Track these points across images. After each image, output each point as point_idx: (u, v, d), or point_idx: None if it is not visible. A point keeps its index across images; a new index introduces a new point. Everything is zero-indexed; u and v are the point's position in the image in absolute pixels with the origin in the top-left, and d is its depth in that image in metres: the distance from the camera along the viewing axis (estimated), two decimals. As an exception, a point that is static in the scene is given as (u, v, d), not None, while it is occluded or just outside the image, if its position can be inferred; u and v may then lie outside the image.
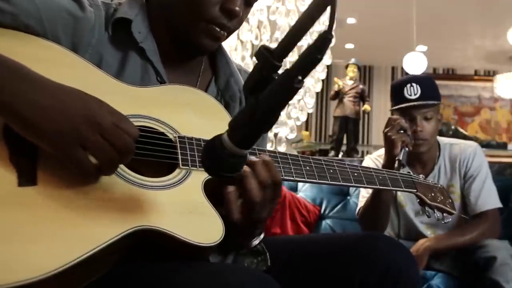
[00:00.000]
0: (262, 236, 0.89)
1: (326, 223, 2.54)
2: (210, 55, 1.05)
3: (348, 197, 2.59)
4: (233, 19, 0.92)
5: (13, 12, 0.77)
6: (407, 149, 1.67)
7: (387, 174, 1.07)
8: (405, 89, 1.85)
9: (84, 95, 0.70)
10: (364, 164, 2.04)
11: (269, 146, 3.33)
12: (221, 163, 0.62)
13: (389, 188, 1.06)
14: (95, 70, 0.84)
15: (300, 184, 2.68)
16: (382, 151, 2.06)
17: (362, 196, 1.95)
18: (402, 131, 1.68)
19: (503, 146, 6.36)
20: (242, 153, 0.61)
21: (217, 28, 0.91)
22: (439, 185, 1.25)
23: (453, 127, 7.62)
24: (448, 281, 1.81)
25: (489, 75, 8.61)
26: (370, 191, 1.86)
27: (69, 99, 0.68)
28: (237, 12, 0.90)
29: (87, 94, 0.70)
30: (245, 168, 0.76)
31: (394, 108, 1.92)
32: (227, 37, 0.96)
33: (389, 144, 1.67)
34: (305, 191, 2.65)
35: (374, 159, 2.03)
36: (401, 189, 1.09)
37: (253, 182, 0.76)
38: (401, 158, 1.62)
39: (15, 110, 0.65)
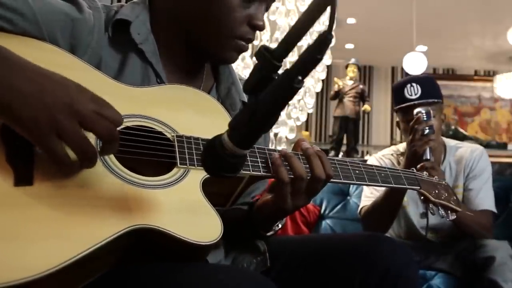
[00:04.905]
0: (284, 220, 0.97)
1: (326, 223, 2.54)
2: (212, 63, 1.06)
3: (348, 197, 2.59)
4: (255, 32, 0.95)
5: (9, 17, 0.76)
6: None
7: (390, 171, 1.05)
8: (405, 89, 1.87)
9: (65, 80, 0.67)
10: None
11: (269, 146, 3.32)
12: (222, 163, 0.62)
13: (391, 185, 1.03)
14: (92, 71, 0.83)
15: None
16: (386, 151, 2.07)
17: (365, 195, 1.93)
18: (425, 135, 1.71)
19: (503, 146, 6.37)
20: (242, 153, 0.61)
21: (244, 43, 0.94)
22: (444, 182, 1.23)
23: (453, 127, 7.64)
24: (448, 281, 1.81)
25: (489, 75, 8.61)
26: (374, 191, 1.86)
27: (49, 84, 0.65)
28: (263, 26, 0.93)
29: (69, 79, 0.68)
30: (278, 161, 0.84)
31: (395, 108, 1.94)
32: None
33: (416, 151, 1.69)
34: (305, 191, 2.64)
35: (379, 158, 2.03)
36: (404, 186, 1.07)
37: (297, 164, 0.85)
38: (429, 156, 1.67)
39: None
